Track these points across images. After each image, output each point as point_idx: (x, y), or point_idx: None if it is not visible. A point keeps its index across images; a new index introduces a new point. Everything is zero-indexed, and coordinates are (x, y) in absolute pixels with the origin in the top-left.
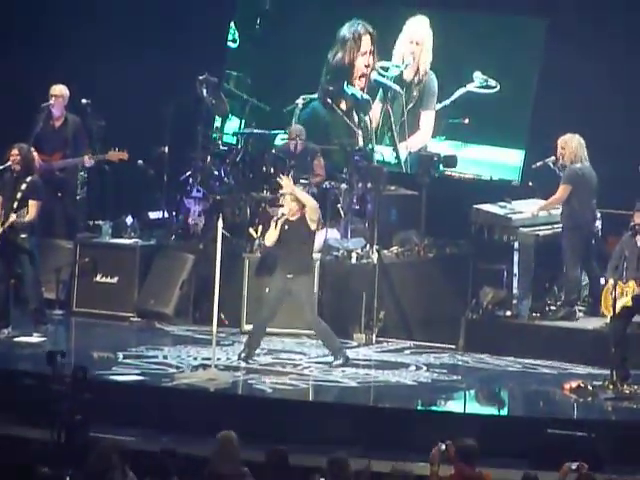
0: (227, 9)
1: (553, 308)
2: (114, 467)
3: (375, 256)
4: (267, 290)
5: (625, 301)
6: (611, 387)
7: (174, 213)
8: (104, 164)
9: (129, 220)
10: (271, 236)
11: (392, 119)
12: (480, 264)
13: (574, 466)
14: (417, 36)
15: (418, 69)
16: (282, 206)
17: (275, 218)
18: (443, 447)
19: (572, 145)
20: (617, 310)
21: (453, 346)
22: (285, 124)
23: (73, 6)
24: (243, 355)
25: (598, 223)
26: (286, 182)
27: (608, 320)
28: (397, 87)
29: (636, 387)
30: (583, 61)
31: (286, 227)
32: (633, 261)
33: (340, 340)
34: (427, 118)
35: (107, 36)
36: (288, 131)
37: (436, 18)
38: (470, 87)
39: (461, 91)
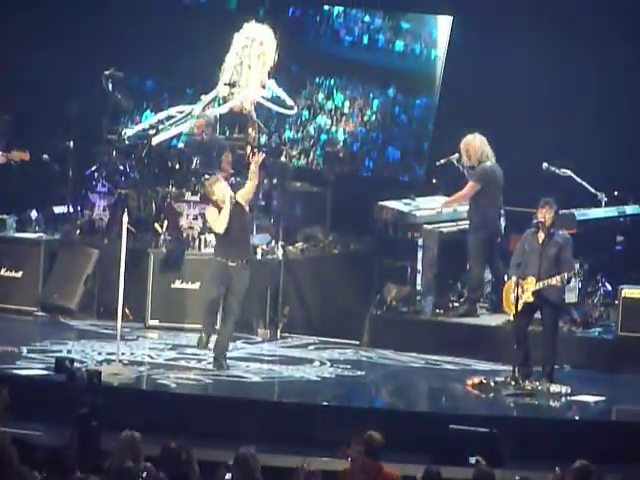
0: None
1: (456, 305)
2: (11, 462)
3: (280, 252)
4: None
5: (526, 297)
6: (513, 383)
7: (79, 208)
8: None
9: (34, 214)
10: (222, 221)
11: None
12: (384, 260)
13: (472, 460)
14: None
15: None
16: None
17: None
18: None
19: (475, 145)
20: (519, 307)
21: (357, 342)
22: None
23: None
24: (203, 343)
25: (502, 220)
26: (257, 159)
27: (511, 317)
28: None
29: (537, 384)
30: (488, 58)
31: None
32: (534, 257)
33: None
34: None
35: (11, 29)
36: (194, 124)
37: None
38: None
39: None
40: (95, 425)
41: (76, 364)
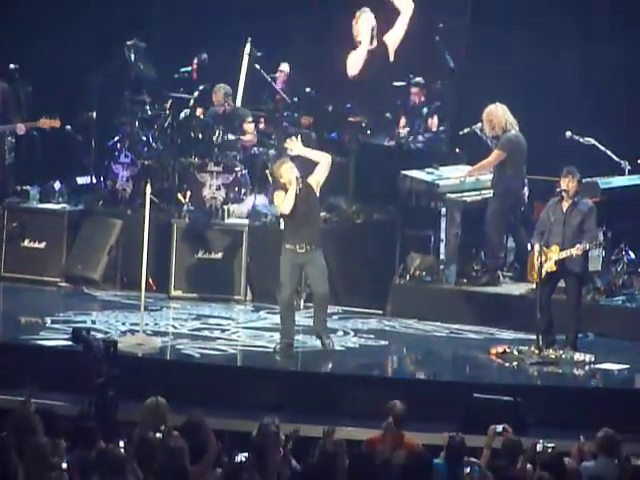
0: None
1: (479, 274)
2: (35, 431)
3: None
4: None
5: (549, 266)
6: (536, 352)
7: (102, 178)
8: (34, 130)
9: (57, 185)
10: (288, 202)
11: None
12: (407, 230)
13: (499, 429)
14: None
15: None
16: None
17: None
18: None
19: (498, 114)
20: (542, 276)
21: (381, 311)
22: None
23: None
24: (282, 346)
25: (525, 189)
26: (294, 144)
27: (534, 286)
28: None
29: (561, 352)
30: (510, 25)
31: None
32: (558, 226)
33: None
34: None
35: (35, 1)
36: (213, 97)
37: None
38: None
39: None
40: (112, 394)
41: (93, 334)
